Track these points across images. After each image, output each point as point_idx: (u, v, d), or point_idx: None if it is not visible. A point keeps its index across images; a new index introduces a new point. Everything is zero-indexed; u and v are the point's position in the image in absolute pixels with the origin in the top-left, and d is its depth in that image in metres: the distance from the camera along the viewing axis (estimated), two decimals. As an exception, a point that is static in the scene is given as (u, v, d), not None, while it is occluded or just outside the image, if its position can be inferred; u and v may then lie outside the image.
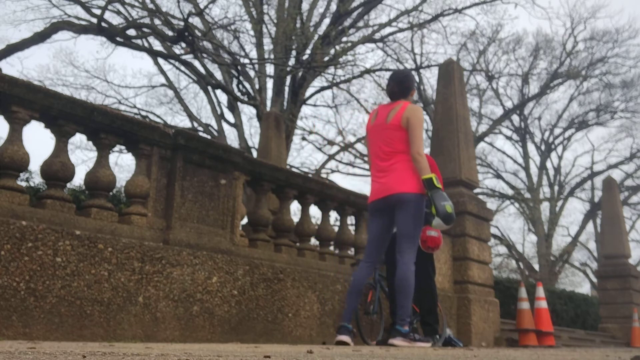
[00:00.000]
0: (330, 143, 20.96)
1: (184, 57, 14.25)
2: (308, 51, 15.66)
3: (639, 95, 26.11)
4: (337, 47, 16.26)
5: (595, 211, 26.80)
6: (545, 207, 27.46)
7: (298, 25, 15.82)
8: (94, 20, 11.90)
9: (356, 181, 60.17)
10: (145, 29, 12.62)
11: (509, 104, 25.98)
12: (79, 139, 18.48)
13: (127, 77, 34.01)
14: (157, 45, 15.83)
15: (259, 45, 16.62)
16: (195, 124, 18.77)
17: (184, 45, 12.63)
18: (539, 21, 66.85)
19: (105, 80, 19.67)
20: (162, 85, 19.98)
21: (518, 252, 28.15)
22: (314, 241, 6.14)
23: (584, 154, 48.07)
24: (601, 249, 15.22)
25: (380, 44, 18.14)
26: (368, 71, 17.58)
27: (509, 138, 27.91)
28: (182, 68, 17.27)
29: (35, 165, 14.97)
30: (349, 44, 16.93)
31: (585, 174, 28.15)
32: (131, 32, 12.10)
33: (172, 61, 16.78)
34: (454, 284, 7.38)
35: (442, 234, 7.08)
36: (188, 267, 4.25)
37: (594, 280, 22.48)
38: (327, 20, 16.80)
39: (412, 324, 4.56)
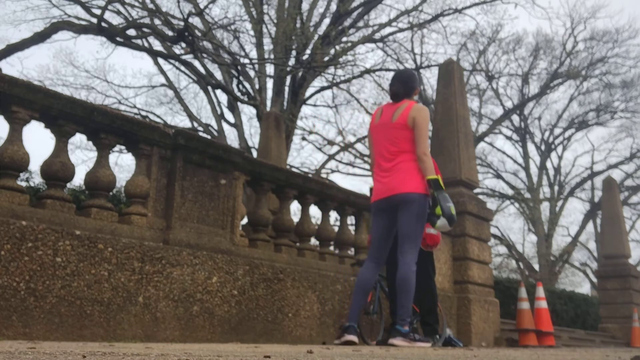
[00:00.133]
0: (330, 143, 20.96)
1: (184, 57, 14.25)
2: (308, 51, 15.67)
3: (639, 95, 26.12)
4: (337, 47, 16.26)
5: (595, 211, 26.80)
6: (545, 207, 27.48)
7: (298, 25, 15.82)
8: (94, 20, 11.90)
9: (356, 181, 60.23)
10: (145, 29, 12.62)
11: (509, 104, 26.01)
12: (79, 139, 18.49)
13: (127, 77, 34.07)
14: (157, 45, 15.84)
15: (259, 45, 16.62)
16: (195, 124, 18.77)
17: (184, 45, 12.63)
18: (539, 21, 66.91)
19: (105, 80, 19.69)
20: (162, 85, 19.99)
21: (518, 252, 28.16)
22: (314, 241, 6.14)
23: (584, 154, 48.13)
24: (601, 249, 15.22)
25: (380, 44, 18.15)
26: (368, 71, 17.58)
27: (509, 138, 27.92)
28: (182, 68, 17.28)
29: (35, 165, 14.97)
30: (349, 44, 16.94)
31: (585, 174, 28.18)
32: (131, 32, 12.10)
33: (172, 61, 16.79)
34: (454, 284, 7.38)
35: (442, 233, 7.12)
36: (188, 267, 4.25)
37: (594, 280, 22.49)
38: (327, 20, 16.81)
39: (412, 324, 4.56)
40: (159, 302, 4.04)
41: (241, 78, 16.28)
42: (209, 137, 13.33)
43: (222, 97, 17.83)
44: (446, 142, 7.91)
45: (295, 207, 22.26)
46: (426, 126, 4.43)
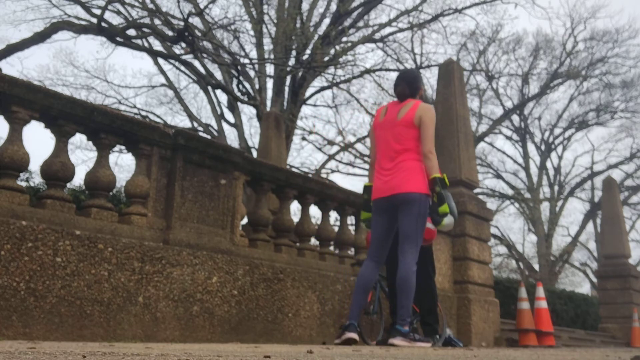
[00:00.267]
0: (330, 143, 20.96)
1: (184, 57, 14.25)
2: (308, 51, 15.67)
3: (639, 95, 26.13)
4: (337, 47, 16.27)
5: (595, 211, 26.81)
6: (545, 207, 27.48)
7: (298, 25, 15.82)
8: (94, 20, 11.90)
9: (356, 181, 60.08)
10: (145, 29, 12.62)
11: (509, 104, 26.01)
12: (79, 139, 18.49)
13: (127, 77, 34.07)
14: (157, 45, 15.84)
15: (259, 45, 16.63)
16: (195, 124, 18.77)
17: (184, 45, 12.63)
18: (539, 21, 66.93)
19: (105, 80, 19.69)
20: (162, 85, 19.99)
21: (518, 252, 28.16)
22: (314, 241, 6.14)
23: (584, 154, 48.12)
24: (601, 249, 15.22)
25: (380, 44, 18.15)
26: (368, 71, 17.58)
27: (509, 138, 27.93)
28: (182, 68, 17.28)
29: (35, 165, 14.98)
30: (349, 44, 16.94)
31: (585, 174, 28.19)
32: (131, 32, 12.10)
33: (172, 61, 16.79)
34: (454, 284, 7.38)
35: (442, 233, 7.12)
36: (188, 267, 4.25)
37: (594, 280, 22.48)
38: (327, 20, 16.81)
39: (412, 324, 4.56)
40: (159, 302, 4.04)
41: (241, 78, 16.28)
42: (209, 137, 13.32)
43: (222, 97, 17.85)
44: (446, 142, 7.91)
45: (295, 207, 22.28)
46: (432, 125, 4.44)
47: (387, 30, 17.96)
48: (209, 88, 17.35)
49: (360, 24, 17.54)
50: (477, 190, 13.32)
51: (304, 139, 20.69)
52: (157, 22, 13.79)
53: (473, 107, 24.92)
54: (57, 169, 3.90)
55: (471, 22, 36.39)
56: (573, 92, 26.49)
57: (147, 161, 4.42)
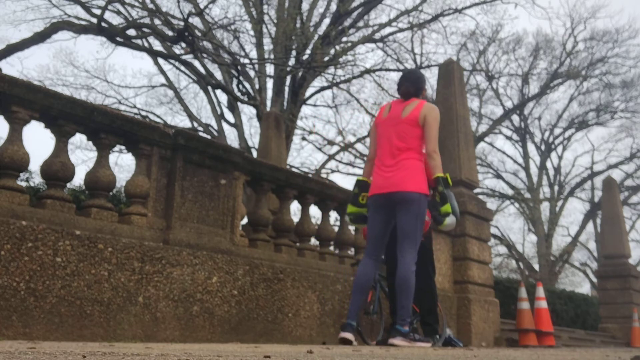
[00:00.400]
0: (330, 143, 20.95)
1: (184, 57, 14.25)
2: (308, 51, 15.67)
3: (639, 95, 26.12)
4: (337, 47, 16.26)
5: (595, 211, 26.81)
6: (545, 207, 27.48)
7: (298, 25, 15.82)
8: (94, 20, 11.90)
9: (356, 181, 60.06)
10: (145, 29, 12.62)
11: (509, 104, 26.01)
12: (79, 139, 18.49)
13: (127, 77, 34.06)
14: (157, 45, 15.84)
15: (259, 45, 16.63)
16: (195, 124, 18.77)
17: (184, 45, 12.63)
18: (539, 21, 66.92)
19: (105, 80, 19.69)
20: (162, 85, 19.99)
21: (518, 252, 28.16)
22: (314, 241, 6.14)
23: (584, 154, 48.12)
24: (601, 249, 15.22)
25: (380, 44, 18.15)
26: (368, 71, 17.58)
27: (509, 138, 27.93)
28: (182, 68, 17.28)
29: (35, 165, 14.98)
30: (349, 44, 16.94)
31: (585, 174, 28.19)
32: (131, 32, 12.10)
33: (172, 61, 16.79)
34: (454, 284, 7.38)
35: (442, 233, 7.12)
36: (188, 267, 4.26)
37: (594, 280, 22.48)
38: (327, 20, 16.81)
39: (412, 324, 4.55)
40: (159, 302, 4.04)
41: (241, 78, 16.28)
42: (209, 137, 13.33)
43: (222, 97, 17.85)
44: (446, 142, 7.91)
45: (295, 207, 22.27)
46: (436, 125, 4.45)
47: (387, 30, 17.98)
48: (209, 88, 17.36)
49: (360, 24, 17.55)
50: (477, 190, 13.32)
51: (304, 139, 20.69)
52: (157, 22, 13.79)
53: (473, 107, 24.93)
54: (57, 169, 3.90)
55: (471, 22, 36.42)
56: (573, 92, 26.52)
57: (147, 161, 4.42)
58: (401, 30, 18.21)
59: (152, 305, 4.00)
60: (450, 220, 4.39)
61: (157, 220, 4.36)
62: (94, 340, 3.63)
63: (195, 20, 15.42)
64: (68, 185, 4.61)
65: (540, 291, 8.54)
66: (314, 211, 21.82)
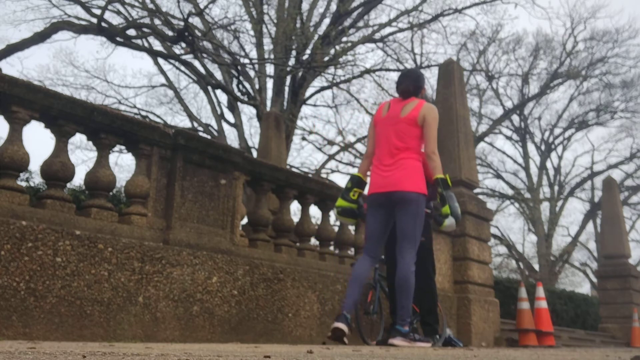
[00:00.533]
0: (330, 143, 20.96)
1: (184, 57, 14.25)
2: (308, 51, 15.67)
3: (639, 95, 26.12)
4: (337, 47, 16.27)
5: (595, 211, 26.80)
6: (545, 207, 27.48)
7: (298, 25, 15.82)
8: (94, 20, 11.90)
9: (356, 181, 60.00)
10: (145, 29, 12.62)
11: (509, 104, 26.01)
12: (79, 139, 18.49)
13: (127, 77, 34.05)
14: (157, 45, 15.84)
15: (259, 45, 16.63)
16: (195, 124, 18.77)
17: (184, 45, 12.63)
18: (539, 21, 66.90)
19: (105, 80, 19.68)
20: (162, 85, 19.99)
21: (518, 252, 28.16)
22: (314, 241, 6.14)
23: (584, 154, 48.12)
24: (601, 249, 15.22)
25: (380, 44, 18.15)
26: (368, 71, 17.58)
27: (509, 138, 27.93)
28: (182, 68, 17.28)
29: (35, 165, 14.97)
30: (349, 44, 16.94)
31: (585, 174, 28.19)
32: (131, 32, 12.10)
33: (172, 61, 16.79)
34: (454, 284, 7.38)
35: (442, 233, 7.12)
36: (188, 267, 4.26)
37: (594, 280, 22.48)
38: (327, 20, 16.81)
39: (412, 324, 4.55)
40: (159, 302, 4.04)
41: (241, 78, 16.28)
42: (209, 137, 13.33)
43: (222, 97, 17.85)
44: (446, 142, 7.91)
45: (295, 207, 22.28)
46: (436, 125, 4.44)
47: (387, 30, 17.98)
48: (209, 88, 17.35)
49: (360, 24, 17.55)
50: (477, 190, 13.32)
51: (304, 139, 20.70)
52: (157, 22, 13.79)
53: (473, 107, 24.93)
54: (57, 169, 3.90)
55: (471, 22, 36.40)
56: (573, 92, 26.52)
57: (147, 161, 4.42)
58: (401, 30, 18.22)
59: (152, 305, 4.00)
60: (449, 221, 4.39)
61: (157, 220, 4.36)
62: (94, 340, 3.63)
63: (195, 20, 15.42)
64: (68, 185, 4.61)
65: (540, 291, 8.54)
66: (314, 211, 21.82)
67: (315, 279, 5.28)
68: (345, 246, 6.13)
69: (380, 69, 18.25)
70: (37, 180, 7.22)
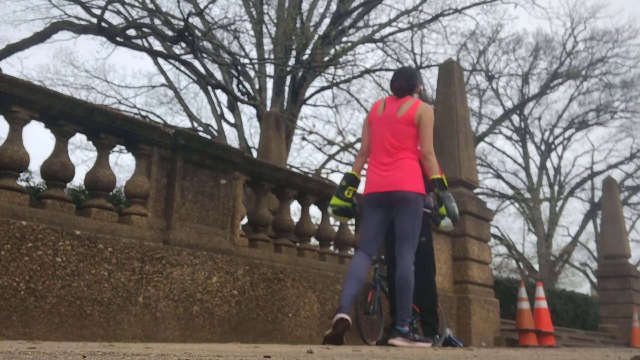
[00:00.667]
0: (330, 143, 20.97)
1: (184, 57, 14.26)
2: (308, 51, 15.68)
3: (639, 95, 26.13)
4: (337, 47, 16.27)
5: (595, 211, 26.80)
6: (545, 207, 27.49)
7: (298, 25, 15.83)
8: (94, 20, 11.91)
9: (356, 181, 60.00)
10: (145, 29, 12.62)
11: (509, 104, 26.01)
12: (79, 139, 18.48)
13: (127, 77, 34.08)
14: (157, 45, 15.84)
15: (259, 45, 16.63)
16: (195, 124, 18.77)
17: (184, 45, 12.64)
18: (539, 21, 66.91)
19: (105, 80, 19.69)
20: (162, 85, 19.99)
21: (518, 252, 28.16)
22: (314, 241, 6.14)
23: (584, 154, 48.10)
24: (601, 249, 15.22)
25: (380, 44, 18.16)
26: (368, 71, 17.58)
27: (509, 138, 27.93)
28: (182, 68, 17.28)
29: (35, 165, 14.97)
30: (349, 44, 16.95)
31: (585, 174, 28.19)
32: (131, 32, 12.10)
33: (172, 61, 16.79)
34: (454, 284, 7.38)
35: (442, 233, 7.12)
36: (188, 267, 4.26)
37: (594, 280, 22.48)
38: (327, 20, 16.82)
39: (412, 324, 4.55)
40: (159, 302, 4.04)
41: (241, 78, 16.28)
42: (209, 137, 13.33)
43: (222, 97, 17.85)
44: (446, 142, 7.91)
45: (295, 207, 22.28)
46: (431, 125, 4.43)
47: (387, 30, 17.99)
48: (209, 88, 17.36)
49: (360, 24, 17.55)
50: (477, 190, 13.32)
51: (304, 139, 20.71)
52: (157, 22, 13.79)
53: (473, 107, 24.93)
54: (57, 169, 3.90)
55: (471, 22, 36.36)
56: (573, 92, 26.52)
57: (147, 161, 4.42)
58: (401, 30, 18.23)
59: (152, 305, 4.00)
60: (445, 222, 4.38)
61: (157, 220, 4.36)
62: (94, 340, 3.63)
63: (195, 20, 15.42)
64: (68, 185, 4.61)
65: (540, 291, 8.54)
66: (314, 211, 21.83)
67: (315, 279, 5.28)
68: (345, 246, 6.13)
69: (380, 69, 18.26)
70: (37, 180, 7.22)
